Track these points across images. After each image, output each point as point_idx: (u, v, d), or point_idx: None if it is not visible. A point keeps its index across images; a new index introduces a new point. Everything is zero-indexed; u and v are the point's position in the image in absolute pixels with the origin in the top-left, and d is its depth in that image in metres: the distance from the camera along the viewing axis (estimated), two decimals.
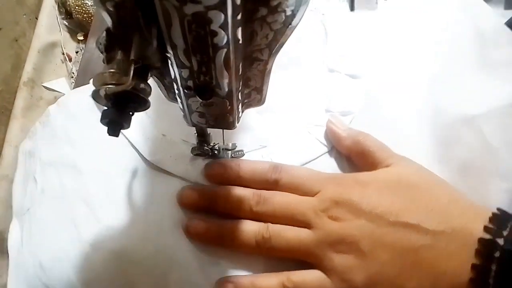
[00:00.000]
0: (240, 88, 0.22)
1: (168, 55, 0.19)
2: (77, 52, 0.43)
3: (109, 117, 0.19)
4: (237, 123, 0.25)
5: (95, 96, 0.19)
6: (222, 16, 0.16)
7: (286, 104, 0.33)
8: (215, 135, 0.30)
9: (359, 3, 0.37)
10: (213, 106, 0.23)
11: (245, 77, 0.22)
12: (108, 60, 0.19)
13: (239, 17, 0.17)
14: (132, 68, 0.18)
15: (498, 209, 0.25)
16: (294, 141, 0.32)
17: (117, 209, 0.30)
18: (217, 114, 0.24)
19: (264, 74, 0.22)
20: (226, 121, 0.25)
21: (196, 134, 0.29)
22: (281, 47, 0.20)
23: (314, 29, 0.36)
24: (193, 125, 0.25)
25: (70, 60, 0.42)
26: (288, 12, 0.18)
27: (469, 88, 0.31)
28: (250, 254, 0.29)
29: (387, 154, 0.30)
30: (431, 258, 0.25)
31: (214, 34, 0.17)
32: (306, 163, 0.31)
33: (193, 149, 0.30)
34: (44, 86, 0.40)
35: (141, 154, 0.31)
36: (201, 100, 0.22)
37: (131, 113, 0.20)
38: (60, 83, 0.41)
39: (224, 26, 0.17)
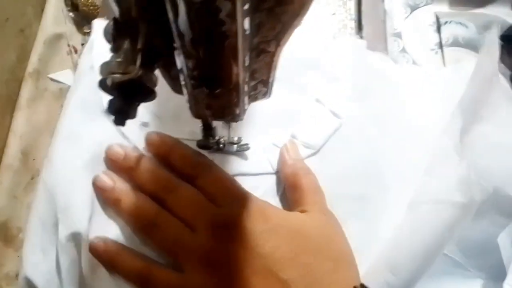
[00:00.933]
0: (246, 80, 0.22)
1: (175, 44, 0.19)
2: (82, 45, 0.43)
3: (116, 106, 0.19)
4: (243, 115, 0.25)
5: (101, 85, 0.19)
6: (230, 4, 0.16)
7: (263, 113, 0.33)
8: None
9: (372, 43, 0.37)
10: (220, 98, 0.23)
11: (251, 69, 0.22)
12: (115, 49, 0.19)
13: (246, 6, 0.17)
14: (139, 57, 0.18)
15: (362, 285, 0.26)
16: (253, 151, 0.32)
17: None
18: (223, 106, 0.24)
19: (271, 67, 0.22)
20: (232, 113, 0.24)
21: (202, 127, 0.29)
22: (289, 38, 0.20)
23: (319, 50, 0.36)
24: (199, 116, 0.25)
25: (76, 52, 0.42)
26: (296, 4, 0.18)
27: None
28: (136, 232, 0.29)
29: (315, 200, 0.30)
30: None
31: (222, 23, 0.17)
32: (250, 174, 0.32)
33: (198, 142, 0.30)
34: (49, 78, 0.40)
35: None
36: (207, 91, 0.22)
37: (137, 103, 0.20)
38: (66, 75, 0.41)
39: (231, 15, 0.17)
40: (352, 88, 0.34)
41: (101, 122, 0.32)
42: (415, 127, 0.34)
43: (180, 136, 0.31)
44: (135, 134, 0.32)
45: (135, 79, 0.18)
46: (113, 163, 0.31)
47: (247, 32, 0.18)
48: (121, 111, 0.20)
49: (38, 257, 0.31)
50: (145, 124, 0.32)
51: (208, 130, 0.29)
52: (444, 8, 0.46)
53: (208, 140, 0.29)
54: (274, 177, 0.32)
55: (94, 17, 0.42)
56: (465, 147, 0.31)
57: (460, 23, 0.45)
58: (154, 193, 0.29)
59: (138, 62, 0.18)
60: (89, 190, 0.30)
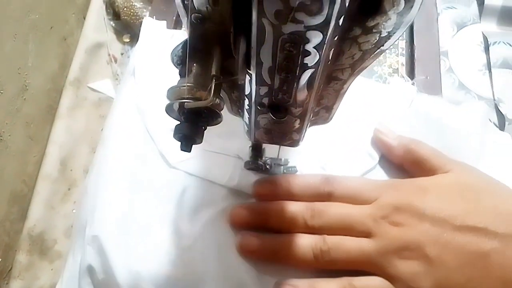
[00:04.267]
0: (312, 107, 0.21)
1: (250, 71, 0.18)
2: (122, 54, 0.43)
3: (183, 132, 0.19)
4: (301, 141, 0.24)
5: (168, 109, 0.19)
6: (321, 36, 0.15)
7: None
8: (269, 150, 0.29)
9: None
10: (282, 124, 0.22)
11: (319, 95, 0.21)
12: (184, 73, 0.19)
13: (336, 38, 0.16)
14: (213, 83, 0.17)
15: None
16: (345, 155, 0.31)
17: (168, 231, 0.29)
18: (284, 131, 0.23)
19: (338, 94, 0.21)
20: (290, 139, 0.24)
21: (251, 149, 0.28)
22: (364, 68, 0.19)
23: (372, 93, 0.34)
24: (256, 140, 0.25)
25: (116, 61, 0.42)
26: (384, 34, 0.17)
27: None
28: (308, 270, 0.27)
29: (444, 160, 0.28)
30: (501, 262, 0.24)
31: (307, 54, 0.16)
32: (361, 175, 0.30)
33: (246, 164, 0.29)
34: (89, 87, 0.40)
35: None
36: (272, 118, 0.21)
37: (203, 127, 0.19)
38: (105, 85, 0.40)
39: (319, 47, 0.16)
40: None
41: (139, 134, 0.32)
42: None
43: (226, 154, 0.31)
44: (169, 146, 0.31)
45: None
46: (246, 224, 0.28)
47: (329, 62, 0.17)
48: (188, 137, 0.19)
49: (69, 260, 0.31)
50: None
51: (257, 152, 0.28)
52: (492, 27, 0.45)
53: (256, 161, 0.28)
54: (379, 167, 0.31)
55: (135, 26, 0.42)
56: None
57: (509, 44, 0.43)
58: (301, 228, 0.27)
59: (212, 88, 0.17)
60: (117, 194, 0.29)
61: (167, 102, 0.18)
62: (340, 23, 0.15)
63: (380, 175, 0.31)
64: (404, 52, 0.37)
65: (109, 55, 0.42)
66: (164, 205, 0.30)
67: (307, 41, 0.15)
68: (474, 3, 0.46)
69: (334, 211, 0.27)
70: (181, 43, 0.19)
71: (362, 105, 0.33)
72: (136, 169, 0.31)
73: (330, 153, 0.31)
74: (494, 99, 0.41)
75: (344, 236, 0.27)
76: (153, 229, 0.29)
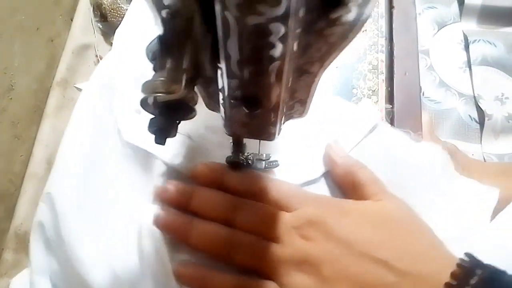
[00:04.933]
0: (286, 100, 0.22)
1: (220, 65, 0.19)
2: None
3: (157, 125, 0.19)
4: (278, 134, 0.25)
5: (143, 103, 0.19)
6: (283, 28, 0.16)
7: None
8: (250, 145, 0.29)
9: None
10: (257, 117, 0.22)
11: (292, 88, 0.22)
12: (158, 68, 0.19)
13: (298, 30, 0.17)
14: (185, 77, 0.18)
15: (467, 254, 0.25)
16: (295, 161, 0.32)
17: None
18: (260, 124, 0.23)
19: (311, 87, 0.22)
20: (267, 132, 0.24)
21: (232, 143, 0.28)
22: (333, 60, 0.20)
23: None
24: (233, 134, 0.25)
25: None
26: (346, 26, 0.18)
27: None
28: (213, 258, 0.28)
29: (379, 189, 0.29)
30: None
31: (272, 46, 0.17)
32: (303, 183, 0.31)
33: (227, 158, 0.29)
34: (76, 87, 0.40)
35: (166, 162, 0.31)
36: (246, 111, 0.21)
37: (178, 121, 0.20)
38: None
39: (283, 39, 0.16)
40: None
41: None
42: None
43: (210, 149, 0.31)
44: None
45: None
46: (169, 201, 0.29)
47: (295, 55, 0.18)
48: (162, 130, 0.19)
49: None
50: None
51: (238, 147, 0.28)
52: (472, 26, 0.46)
53: (238, 156, 0.29)
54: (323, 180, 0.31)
55: None
56: None
57: (489, 42, 0.44)
58: (219, 217, 0.28)
59: (184, 82, 0.18)
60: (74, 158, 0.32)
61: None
62: (301, 15, 0.16)
63: (321, 188, 0.31)
64: (384, 49, 0.37)
65: (96, 56, 0.42)
66: (117, 173, 0.31)
67: (270, 33, 0.16)
68: (454, 2, 0.47)
69: (255, 210, 0.28)
70: (155, 39, 0.19)
71: (327, 119, 0.33)
72: (95, 139, 0.33)
73: (286, 153, 0.32)
74: (474, 96, 0.42)
75: (256, 236, 0.27)
76: (104, 194, 0.31)
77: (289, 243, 0.27)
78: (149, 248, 0.28)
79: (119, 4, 0.43)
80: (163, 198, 0.30)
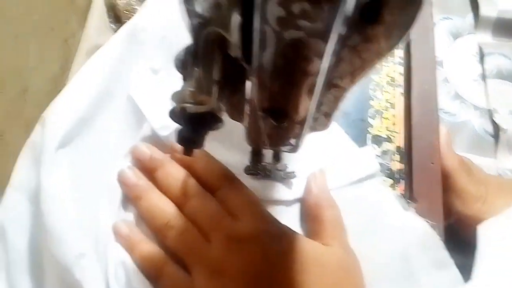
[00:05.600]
0: (312, 113, 0.22)
1: (251, 76, 0.18)
2: None
3: (185, 136, 0.19)
4: (300, 147, 0.24)
5: (171, 113, 0.19)
6: (322, 44, 0.15)
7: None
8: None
9: None
10: (283, 129, 0.22)
11: (318, 101, 0.22)
12: (186, 78, 0.19)
13: (337, 46, 0.16)
14: (216, 89, 0.18)
15: None
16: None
17: None
18: (283, 136, 0.23)
19: (338, 101, 0.22)
20: (290, 144, 0.24)
21: (251, 154, 0.28)
22: (364, 76, 0.20)
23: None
24: (255, 145, 0.25)
25: None
26: (382, 44, 0.17)
27: None
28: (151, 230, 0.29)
29: (334, 234, 0.29)
30: None
31: (308, 61, 0.16)
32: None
33: (246, 168, 0.29)
34: None
35: None
36: (272, 123, 0.21)
37: (206, 132, 0.20)
38: None
39: (320, 54, 0.16)
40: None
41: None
42: None
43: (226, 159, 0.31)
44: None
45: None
46: (139, 162, 0.31)
47: (329, 70, 0.18)
48: (189, 140, 0.19)
49: None
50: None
51: (257, 156, 0.28)
52: (487, 38, 0.46)
53: (256, 165, 0.29)
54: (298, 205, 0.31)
55: None
56: None
57: (504, 55, 0.44)
58: (174, 197, 0.29)
59: (215, 94, 0.18)
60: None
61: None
62: (341, 31, 0.16)
63: (292, 212, 0.31)
64: (401, 61, 0.37)
65: None
66: (111, 123, 0.33)
67: (308, 48, 0.16)
68: (470, 14, 0.47)
69: (204, 205, 0.29)
70: (184, 48, 0.19)
71: (328, 151, 0.33)
72: (104, 86, 0.33)
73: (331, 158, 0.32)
74: (489, 109, 0.42)
75: (192, 226, 0.28)
76: (94, 137, 0.32)
77: (216, 248, 0.27)
78: None
79: (133, 6, 0.43)
80: (135, 157, 0.31)
